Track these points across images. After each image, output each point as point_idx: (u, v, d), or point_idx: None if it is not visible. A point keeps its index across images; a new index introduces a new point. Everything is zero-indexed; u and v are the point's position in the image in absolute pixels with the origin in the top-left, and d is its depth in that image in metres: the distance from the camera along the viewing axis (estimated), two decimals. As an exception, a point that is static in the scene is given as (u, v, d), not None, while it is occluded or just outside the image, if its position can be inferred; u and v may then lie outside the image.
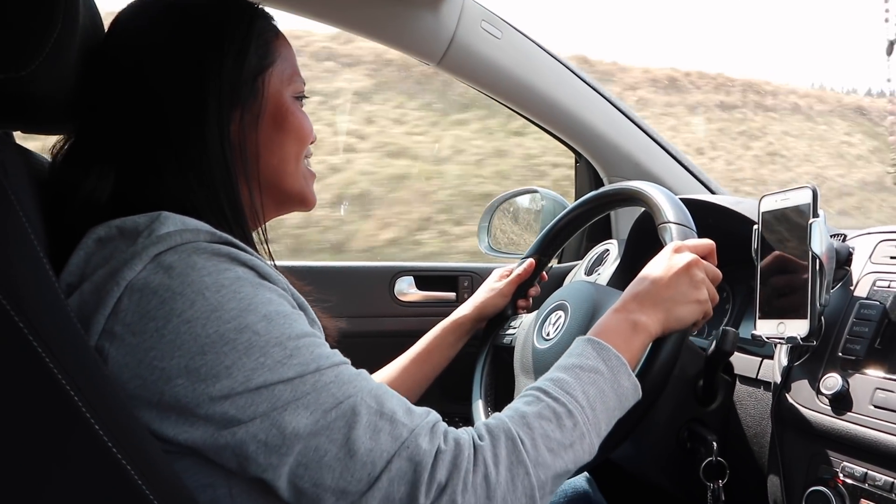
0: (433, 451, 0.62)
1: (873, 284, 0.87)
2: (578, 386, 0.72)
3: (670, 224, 0.93)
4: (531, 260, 1.25)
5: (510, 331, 1.21)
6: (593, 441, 0.71)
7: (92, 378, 0.53)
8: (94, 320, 0.59)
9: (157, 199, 0.67)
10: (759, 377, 1.01)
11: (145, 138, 0.70)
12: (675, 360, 0.84)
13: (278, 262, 0.83)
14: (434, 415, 0.67)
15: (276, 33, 0.79)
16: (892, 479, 0.75)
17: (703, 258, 0.87)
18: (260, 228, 0.81)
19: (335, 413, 0.60)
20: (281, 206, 0.83)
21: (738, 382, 1.03)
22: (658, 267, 0.86)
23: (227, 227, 0.69)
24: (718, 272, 0.88)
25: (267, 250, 0.82)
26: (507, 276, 1.25)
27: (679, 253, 0.86)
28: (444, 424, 0.67)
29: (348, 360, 0.66)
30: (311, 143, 0.84)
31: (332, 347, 0.67)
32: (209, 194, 0.71)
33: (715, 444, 0.96)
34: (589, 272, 1.53)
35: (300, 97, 0.81)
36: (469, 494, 0.62)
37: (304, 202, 0.84)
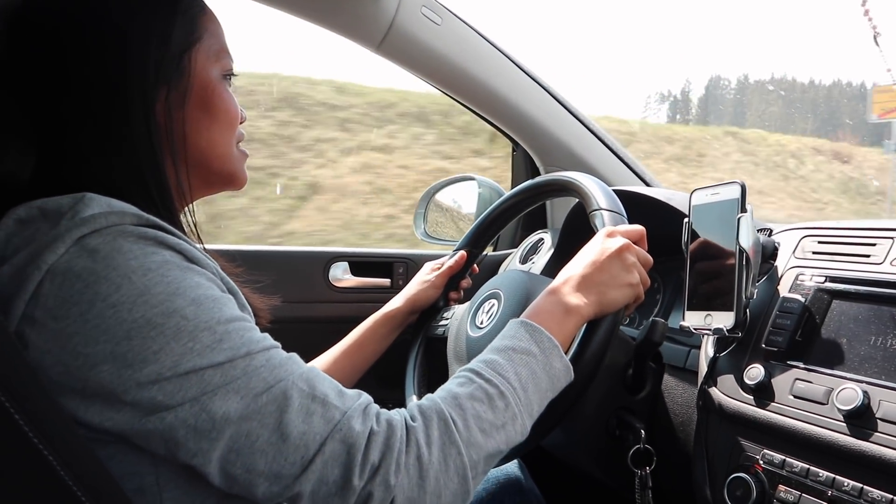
0: (366, 432, 0.62)
1: (796, 278, 0.90)
2: (511, 367, 0.73)
3: (602, 211, 0.94)
4: (462, 252, 1.25)
5: (443, 322, 1.21)
6: (525, 422, 0.73)
7: (11, 364, 0.51)
8: (14, 305, 0.56)
9: (81, 180, 0.65)
10: (686, 367, 1.04)
11: (67, 116, 0.67)
12: (609, 343, 0.85)
13: (209, 246, 0.80)
14: (366, 397, 0.67)
15: (203, 8, 0.76)
16: (807, 466, 0.78)
17: (634, 243, 0.88)
18: (188, 210, 0.78)
19: (266, 397, 0.59)
20: (210, 186, 0.80)
21: (666, 372, 1.06)
22: (591, 251, 0.87)
23: (154, 209, 0.67)
24: (649, 257, 0.90)
25: (196, 233, 0.79)
26: (439, 268, 1.25)
27: (611, 237, 0.88)
28: (377, 406, 0.67)
29: (279, 345, 0.65)
30: (241, 123, 0.81)
31: (265, 327, 0.66)
32: (134, 175, 0.68)
33: (643, 431, 0.98)
34: (523, 261, 1.54)
35: (229, 75, 0.78)
36: (402, 475, 0.62)
37: (234, 182, 0.81)
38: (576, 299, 0.82)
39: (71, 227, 0.58)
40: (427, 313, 1.25)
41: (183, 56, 0.72)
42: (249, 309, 0.70)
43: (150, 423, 0.56)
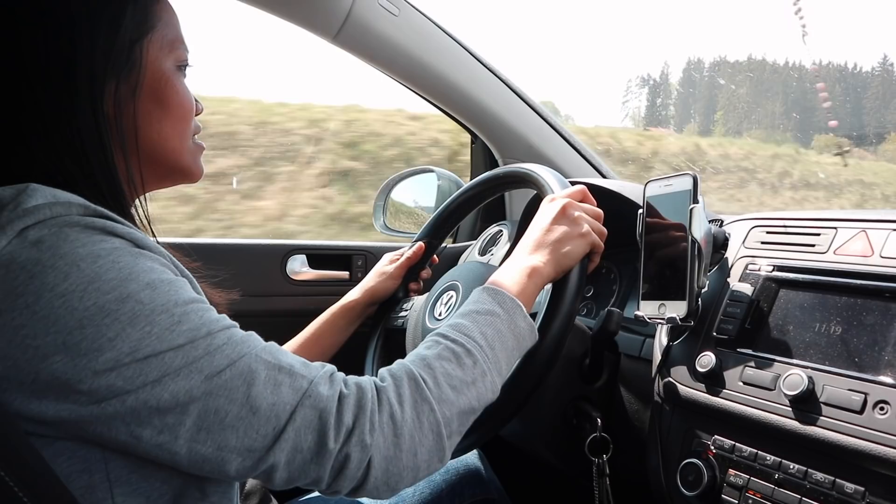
0: (335, 396, 0.63)
1: (746, 268, 0.93)
2: (476, 328, 0.74)
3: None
4: (420, 243, 1.26)
5: (402, 313, 1.21)
6: (495, 379, 0.74)
7: None
8: None
9: (26, 170, 0.63)
10: (641, 356, 1.05)
11: (11, 103, 0.65)
12: (579, 293, 0.87)
13: (162, 239, 0.79)
14: (330, 366, 0.67)
15: None
16: (755, 450, 0.80)
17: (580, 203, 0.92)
18: (140, 202, 0.76)
19: (230, 372, 0.59)
20: (164, 179, 0.78)
21: (622, 361, 1.08)
22: (538, 220, 0.90)
23: (103, 201, 0.65)
24: (597, 210, 0.93)
25: (147, 226, 0.77)
26: (398, 259, 1.25)
27: (553, 202, 0.91)
28: (342, 374, 0.67)
29: (237, 324, 0.64)
30: (198, 114, 0.80)
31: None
32: (82, 167, 0.66)
33: (599, 420, 0.99)
34: (482, 252, 1.54)
35: (183, 66, 0.76)
36: (377, 433, 0.63)
37: (188, 176, 0.80)
38: (533, 261, 0.84)
39: (13, 218, 0.56)
40: (386, 305, 1.24)
41: (134, 46, 0.70)
42: (205, 296, 0.69)
43: (110, 406, 0.55)
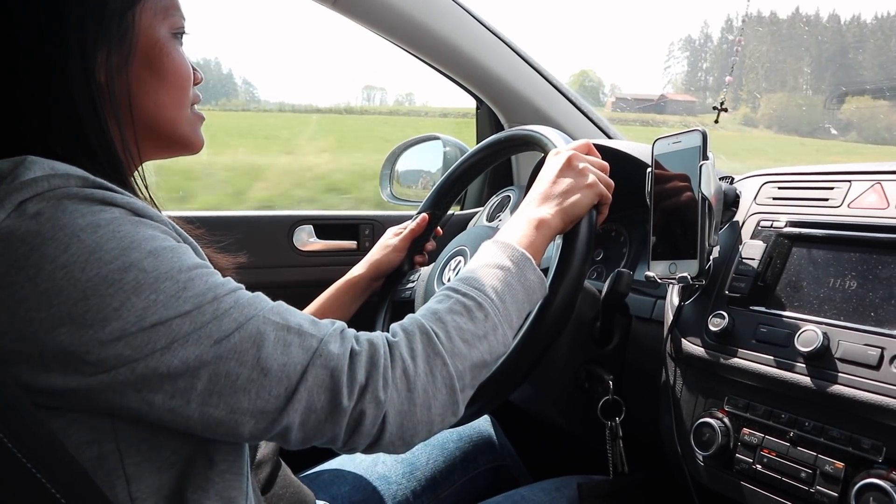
0: (346, 353, 0.62)
1: (757, 225, 0.91)
2: (486, 281, 0.74)
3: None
4: (424, 215, 1.25)
5: (409, 285, 1.20)
6: (506, 332, 0.73)
7: None
8: None
9: (23, 142, 0.62)
10: (652, 317, 1.04)
11: (2, 76, 0.63)
12: (590, 245, 0.86)
13: (168, 213, 0.78)
14: (340, 323, 0.67)
15: None
16: (770, 408, 0.80)
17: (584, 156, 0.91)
18: (138, 174, 0.75)
19: (239, 335, 0.58)
20: (162, 149, 0.77)
21: (633, 323, 1.07)
22: (543, 173, 0.89)
23: (102, 172, 0.64)
24: (603, 162, 0.91)
25: (149, 197, 0.76)
26: (401, 233, 1.24)
27: (557, 155, 0.90)
28: (353, 330, 0.67)
29: (243, 286, 0.64)
30: (197, 83, 0.78)
31: None
32: (78, 138, 0.65)
33: (611, 383, 0.99)
34: (490, 219, 1.53)
35: (179, 33, 0.74)
36: (391, 389, 0.63)
37: (188, 146, 0.78)
38: (540, 212, 0.83)
39: (10, 191, 0.55)
40: (392, 278, 1.24)
41: (126, 13, 0.68)
42: (209, 262, 0.68)
43: (119, 374, 0.55)
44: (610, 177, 0.90)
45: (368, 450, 0.65)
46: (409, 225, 1.25)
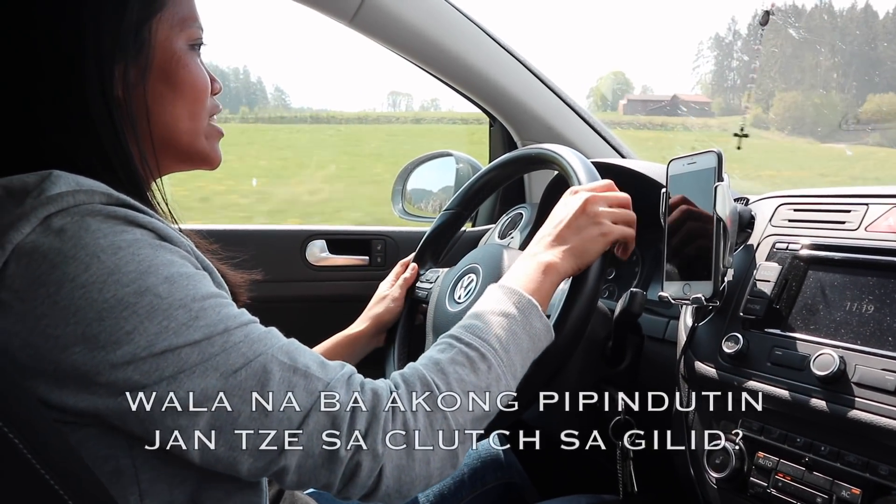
0: (350, 402, 0.62)
1: (773, 246, 0.90)
2: (490, 330, 0.73)
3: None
4: (414, 264, 1.24)
5: (425, 284, 1.20)
6: (510, 383, 0.72)
7: None
8: None
9: (47, 157, 0.62)
10: (665, 338, 1.04)
11: (23, 89, 0.64)
12: (597, 291, 0.85)
13: (182, 226, 0.78)
14: (349, 367, 0.66)
15: None
16: (785, 432, 0.79)
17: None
18: (158, 188, 0.75)
19: (245, 372, 0.58)
20: (180, 163, 0.77)
21: (645, 343, 1.06)
22: (557, 213, 0.88)
23: (121, 186, 0.64)
24: (624, 197, 0.89)
25: (168, 212, 0.76)
26: (395, 282, 1.23)
27: (574, 195, 0.88)
28: (360, 376, 0.66)
29: (257, 319, 0.64)
30: (215, 94, 0.78)
31: (244, 303, 0.65)
32: (97, 152, 0.66)
33: (623, 402, 0.98)
34: (502, 236, 1.53)
35: (197, 45, 0.74)
36: (389, 442, 0.62)
37: (205, 161, 0.78)
38: (549, 257, 0.82)
39: (36, 205, 0.56)
40: (394, 331, 1.22)
41: (142, 27, 0.68)
42: (226, 287, 0.69)
43: (125, 402, 0.55)
44: (630, 200, 0.90)
45: (364, 499, 0.64)
46: (404, 274, 1.24)
